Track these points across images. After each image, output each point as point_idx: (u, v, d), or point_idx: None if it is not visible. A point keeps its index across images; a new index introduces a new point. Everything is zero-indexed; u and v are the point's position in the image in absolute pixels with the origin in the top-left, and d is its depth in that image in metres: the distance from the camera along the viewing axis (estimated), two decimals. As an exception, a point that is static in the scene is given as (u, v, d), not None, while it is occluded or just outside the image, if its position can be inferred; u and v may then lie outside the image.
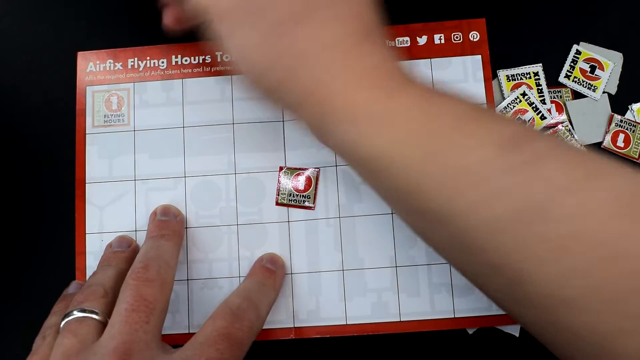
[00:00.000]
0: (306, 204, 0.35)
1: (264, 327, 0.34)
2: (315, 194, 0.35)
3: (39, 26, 0.39)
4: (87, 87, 0.37)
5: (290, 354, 0.34)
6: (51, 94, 0.38)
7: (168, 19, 0.31)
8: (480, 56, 0.36)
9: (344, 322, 0.34)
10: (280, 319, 0.34)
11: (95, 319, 0.27)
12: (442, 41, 0.36)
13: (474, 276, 0.25)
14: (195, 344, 0.27)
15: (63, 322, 0.27)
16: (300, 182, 0.35)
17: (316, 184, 0.35)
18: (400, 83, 0.25)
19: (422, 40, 0.36)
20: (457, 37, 0.36)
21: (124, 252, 0.33)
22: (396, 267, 0.34)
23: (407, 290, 0.34)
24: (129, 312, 0.26)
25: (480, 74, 0.36)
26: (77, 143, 0.36)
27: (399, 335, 0.34)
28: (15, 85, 0.38)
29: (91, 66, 0.37)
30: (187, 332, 0.34)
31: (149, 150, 0.36)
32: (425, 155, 0.23)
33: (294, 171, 0.35)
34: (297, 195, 0.35)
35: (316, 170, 0.35)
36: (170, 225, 0.33)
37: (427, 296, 0.34)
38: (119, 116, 0.36)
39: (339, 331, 0.34)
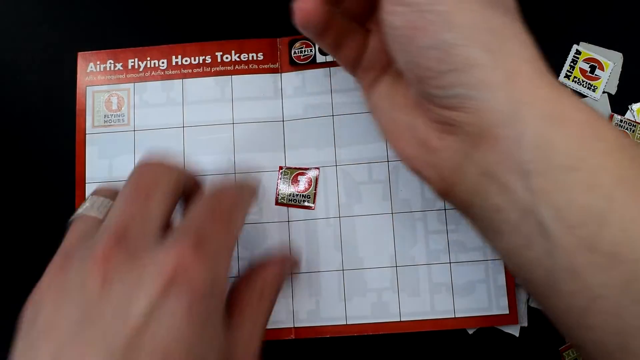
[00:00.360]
0: (306, 203, 0.35)
1: (264, 327, 0.34)
2: (315, 194, 0.35)
3: (40, 26, 0.39)
4: (87, 88, 0.37)
5: (290, 354, 0.34)
6: (51, 94, 0.38)
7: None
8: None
9: (344, 322, 0.34)
10: (280, 319, 0.34)
11: (99, 219, 0.26)
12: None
13: (620, 337, 0.21)
14: (186, 219, 0.25)
15: (70, 220, 0.26)
16: (300, 182, 0.35)
17: (316, 184, 0.35)
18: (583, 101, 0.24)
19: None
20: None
21: None
22: (396, 266, 0.34)
23: (407, 290, 0.34)
24: (127, 197, 0.25)
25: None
26: (77, 143, 0.36)
27: (398, 336, 0.34)
28: (16, 85, 0.38)
29: (91, 66, 0.37)
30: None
31: (148, 150, 0.36)
32: (632, 177, 0.21)
33: (294, 171, 0.35)
34: (296, 195, 0.35)
35: (316, 170, 0.35)
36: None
37: (427, 296, 0.33)
38: (119, 116, 0.37)
39: (339, 331, 0.33)
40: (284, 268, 0.31)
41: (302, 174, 0.35)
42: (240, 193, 0.28)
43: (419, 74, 0.24)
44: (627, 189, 0.21)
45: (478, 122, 0.23)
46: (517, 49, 0.23)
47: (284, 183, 0.35)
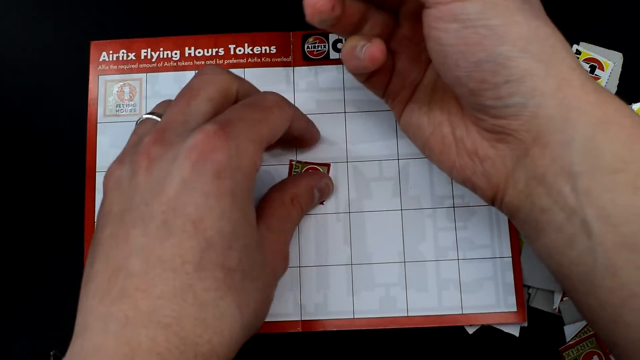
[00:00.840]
0: (316, 198, 0.35)
1: (271, 320, 0.34)
2: None
3: (53, 15, 0.39)
4: (99, 77, 0.37)
5: (297, 347, 0.34)
6: (63, 83, 0.38)
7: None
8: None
9: (351, 316, 0.34)
10: (287, 312, 0.34)
11: (156, 119, 0.29)
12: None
13: None
14: (222, 113, 0.28)
15: (135, 124, 0.31)
16: (311, 176, 0.35)
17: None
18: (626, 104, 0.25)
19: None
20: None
21: None
22: (404, 262, 0.34)
23: (415, 285, 0.34)
24: (175, 101, 0.28)
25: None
26: (89, 132, 0.36)
27: (401, 332, 0.34)
28: (28, 73, 0.38)
29: (104, 56, 0.37)
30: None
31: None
32: None
33: (304, 165, 0.35)
34: (307, 189, 0.35)
35: (326, 165, 0.35)
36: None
37: (435, 292, 0.34)
38: (130, 106, 0.37)
39: (346, 325, 0.34)
40: (319, 181, 0.33)
41: (314, 168, 0.35)
42: (281, 98, 0.30)
43: (473, 87, 0.25)
44: None
45: (532, 129, 0.24)
46: (565, 56, 0.24)
47: (294, 177, 0.35)
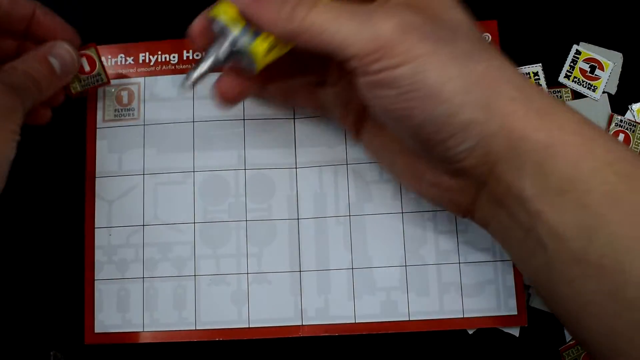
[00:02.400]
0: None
1: (272, 325, 0.34)
2: None
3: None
4: (97, 81, 0.37)
5: (298, 351, 0.34)
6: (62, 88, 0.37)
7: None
8: (491, 58, 0.36)
9: (352, 321, 0.34)
10: (288, 317, 0.34)
11: None
12: (454, 42, 0.36)
13: (610, 339, 0.24)
14: None
15: None
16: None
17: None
18: (583, 117, 0.25)
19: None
20: (468, 39, 0.36)
21: None
22: (405, 266, 0.34)
23: (416, 289, 0.34)
24: None
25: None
26: (88, 137, 0.36)
27: (401, 335, 0.34)
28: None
29: (102, 60, 0.37)
30: (194, 328, 0.34)
31: (158, 144, 0.36)
32: (622, 193, 0.23)
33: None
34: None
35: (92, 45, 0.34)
36: None
37: (436, 296, 0.34)
38: (129, 110, 0.36)
39: (347, 329, 0.33)
40: (52, 48, 0.31)
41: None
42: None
43: (418, 144, 0.26)
44: (610, 204, 0.23)
45: (485, 164, 0.25)
46: (504, 89, 0.24)
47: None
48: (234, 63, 0.27)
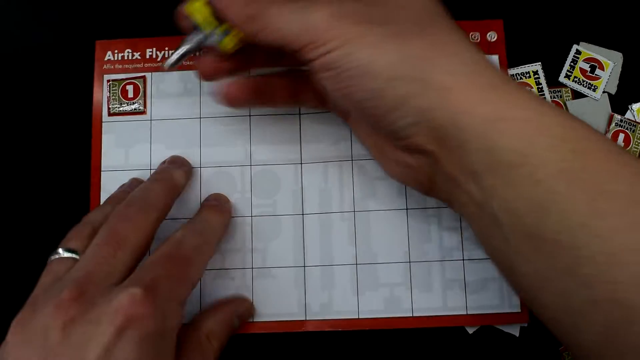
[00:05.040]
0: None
1: (276, 319, 0.34)
2: None
3: (58, 14, 0.39)
4: (104, 76, 0.37)
5: (302, 346, 0.34)
6: (68, 82, 0.38)
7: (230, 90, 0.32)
8: (497, 56, 0.36)
9: (356, 316, 0.34)
10: (292, 312, 0.34)
11: (74, 258, 0.28)
12: (460, 40, 0.37)
13: (568, 315, 0.23)
14: (143, 267, 0.27)
15: (48, 261, 0.28)
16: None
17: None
18: (537, 96, 0.25)
19: (440, 38, 0.37)
20: (474, 37, 0.37)
21: (129, 193, 0.33)
22: (409, 262, 0.34)
23: (419, 285, 0.34)
24: (99, 246, 0.27)
25: (497, 74, 0.36)
26: (94, 131, 0.36)
27: (401, 333, 0.34)
28: (33, 73, 0.38)
29: (109, 55, 0.37)
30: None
31: (165, 140, 0.36)
32: (576, 171, 0.23)
33: None
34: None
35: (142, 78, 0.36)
36: (167, 171, 0.33)
37: (439, 292, 0.34)
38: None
39: (351, 325, 0.34)
40: (237, 307, 0.33)
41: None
42: (201, 241, 0.30)
43: (367, 120, 0.27)
44: (566, 181, 0.22)
45: (432, 140, 0.25)
46: (444, 63, 0.25)
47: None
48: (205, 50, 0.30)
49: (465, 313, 0.33)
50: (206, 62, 0.30)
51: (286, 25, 0.26)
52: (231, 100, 0.32)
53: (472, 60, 0.25)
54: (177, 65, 0.29)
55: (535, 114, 0.24)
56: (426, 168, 0.27)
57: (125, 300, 0.24)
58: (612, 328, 0.22)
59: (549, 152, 0.23)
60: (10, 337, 0.25)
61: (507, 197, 0.24)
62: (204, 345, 0.30)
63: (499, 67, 0.27)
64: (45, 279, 0.27)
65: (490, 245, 0.26)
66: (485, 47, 0.36)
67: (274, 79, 0.32)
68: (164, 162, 0.35)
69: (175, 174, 0.33)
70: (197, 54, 0.30)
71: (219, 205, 0.34)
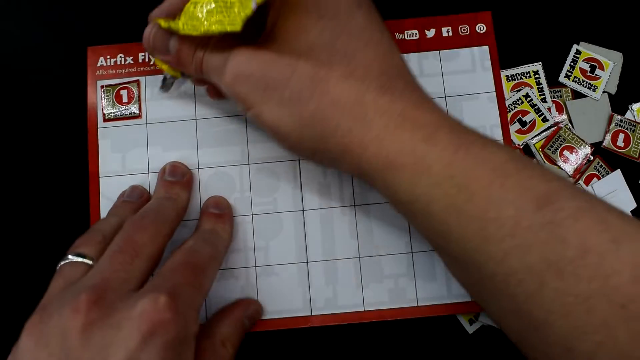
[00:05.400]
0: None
1: (282, 316, 0.34)
2: None
3: (49, 21, 0.39)
4: (97, 82, 0.37)
5: (308, 342, 0.34)
6: (61, 89, 0.37)
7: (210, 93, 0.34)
8: (487, 47, 0.37)
9: (361, 309, 0.34)
10: (297, 308, 0.34)
11: (86, 262, 0.28)
12: (450, 34, 0.37)
13: (497, 317, 0.27)
14: (161, 274, 0.27)
15: (58, 266, 0.28)
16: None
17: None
18: (435, 127, 0.25)
19: (431, 33, 0.37)
20: (464, 30, 0.37)
21: (133, 203, 0.34)
22: (412, 252, 0.34)
23: (423, 275, 0.34)
24: (115, 253, 0.27)
25: (488, 64, 0.36)
26: (90, 137, 0.36)
27: (401, 331, 0.34)
28: (26, 81, 0.38)
29: (101, 61, 0.37)
30: (205, 322, 0.34)
31: (162, 142, 0.36)
32: (462, 203, 0.24)
33: None
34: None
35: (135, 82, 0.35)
36: (175, 187, 0.34)
37: (443, 281, 0.34)
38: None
39: (357, 318, 0.34)
40: (245, 309, 0.33)
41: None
42: (214, 251, 0.31)
43: None
44: (455, 214, 0.25)
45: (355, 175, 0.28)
46: (338, 123, 0.26)
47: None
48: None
49: (470, 300, 0.34)
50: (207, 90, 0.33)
51: (213, 78, 0.28)
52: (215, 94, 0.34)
53: (362, 114, 0.26)
54: (169, 90, 0.33)
55: (416, 159, 0.25)
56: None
57: (149, 305, 0.24)
58: (523, 333, 0.25)
59: (435, 189, 0.25)
60: (24, 339, 0.24)
61: (414, 225, 0.27)
62: (219, 352, 0.30)
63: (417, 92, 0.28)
64: (56, 283, 0.27)
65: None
66: (475, 39, 0.37)
67: None
68: (163, 170, 0.35)
69: (182, 194, 0.34)
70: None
71: (223, 214, 0.34)
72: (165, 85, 0.32)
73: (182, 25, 0.27)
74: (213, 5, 0.25)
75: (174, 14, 0.28)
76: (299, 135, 0.26)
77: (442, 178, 0.25)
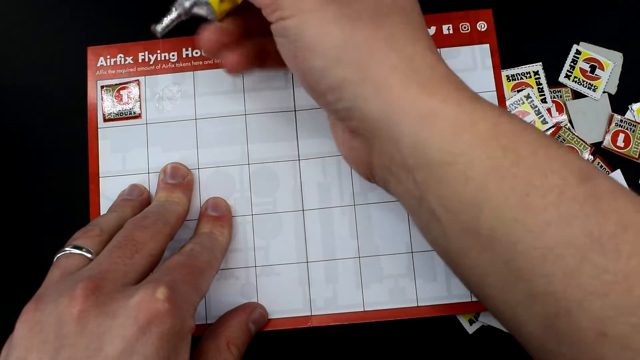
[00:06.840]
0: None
1: (282, 316, 0.34)
2: None
3: (49, 21, 0.39)
4: (97, 82, 0.37)
5: (308, 342, 0.34)
6: (61, 90, 0.38)
7: (230, 59, 0.31)
8: (488, 45, 0.36)
9: (361, 309, 0.34)
10: (297, 308, 0.34)
11: (84, 255, 0.28)
12: (451, 31, 0.37)
13: (510, 307, 0.24)
14: (160, 270, 0.28)
15: (55, 258, 0.28)
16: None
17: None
18: (473, 94, 0.25)
19: (431, 30, 0.37)
20: (465, 27, 0.37)
21: (133, 201, 0.34)
22: (412, 252, 0.34)
23: (423, 275, 0.34)
24: (115, 248, 0.27)
25: (489, 62, 0.36)
26: (90, 137, 0.36)
27: (401, 330, 0.34)
28: (26, 81, 0.38)
29: (102, 61, 0.37)
30: (205, 322, 0.34)
31: (162, 143, 0.36)
32: (508, 167, 0.23)
33: None
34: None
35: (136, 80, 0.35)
36: (177, 191, 0.34)
37: (443, 281, 0.34)
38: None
39: (357, 318, 0.34)
40: (251, 313, 0.33)
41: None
42: (211, 256, 0.31)
43: (310, 93, 0.27)
44: (497, 178, 0.23)
45: (366, 128, 0.26)
46: (387, 56, 0.25)
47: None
48: (197, 12, 0.30)
49: (470, 300, 0.34)
50: (206, 35, 0.30)
51: None
52: (233, 66, 0.31)
53: (415, 58, 0.25)
54: (167, 30, 0.30)
55: (466, 111, 0.24)
56: (364, 152, 0.27)
57: (147, 296, 0.24)
58: (550, 320, 0.22)
59: (478, 150, 0.23)
60: (19, 326, 0.24)
61: (441, 193, 0.24)
62: (224, 354, 0.30)
63: (448, 66, 0.27)
64: (53, 273, 0.27)
65: (430, 237, 0.26)
66: (476, 37, 0.37)
67: (267, 43, 0.32)
68: (163, 171, 0.35)
69: (184, 198, 0.34)
70: (196, 31, 0.30)
71: (221, 217, 0.34)
72: (169, 23, 0.30)
73: None
74: None
75: None
76: (337, 56, 0.25)
77: (489, 137, 0.23)
